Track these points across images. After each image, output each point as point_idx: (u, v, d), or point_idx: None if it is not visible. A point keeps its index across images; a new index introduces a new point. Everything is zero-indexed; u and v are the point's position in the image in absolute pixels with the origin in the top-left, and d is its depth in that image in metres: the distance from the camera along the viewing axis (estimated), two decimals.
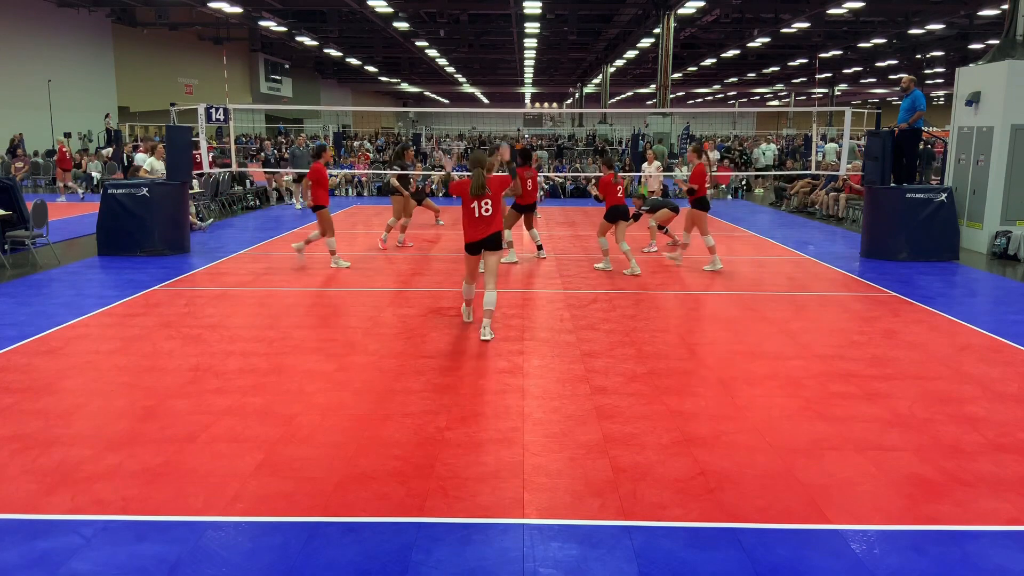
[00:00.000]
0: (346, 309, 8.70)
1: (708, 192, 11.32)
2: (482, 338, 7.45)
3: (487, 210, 7.48)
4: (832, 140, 28.84)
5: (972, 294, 9.91)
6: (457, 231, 14.48)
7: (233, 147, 17.78)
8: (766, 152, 26.03)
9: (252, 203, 19.64)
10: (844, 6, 27.12)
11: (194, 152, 13.34)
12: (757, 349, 7.22)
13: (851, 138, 17.08)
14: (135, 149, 14.65)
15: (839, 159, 17.82)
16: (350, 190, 23.93)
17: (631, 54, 40.43)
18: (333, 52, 43.00)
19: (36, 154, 26.02)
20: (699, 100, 75.64)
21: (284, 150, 20.02)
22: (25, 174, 23.42)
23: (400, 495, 4.32)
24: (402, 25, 32.52)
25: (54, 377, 6.25)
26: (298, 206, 19.62)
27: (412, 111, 74.77)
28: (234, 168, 18.30)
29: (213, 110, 14.34)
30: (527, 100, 79.62)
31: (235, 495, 4.31)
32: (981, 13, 28.98)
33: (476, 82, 64.93)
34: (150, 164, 13.81)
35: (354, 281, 10.29)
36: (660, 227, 13.05)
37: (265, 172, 21.68)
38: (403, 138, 38.11)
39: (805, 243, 13.91)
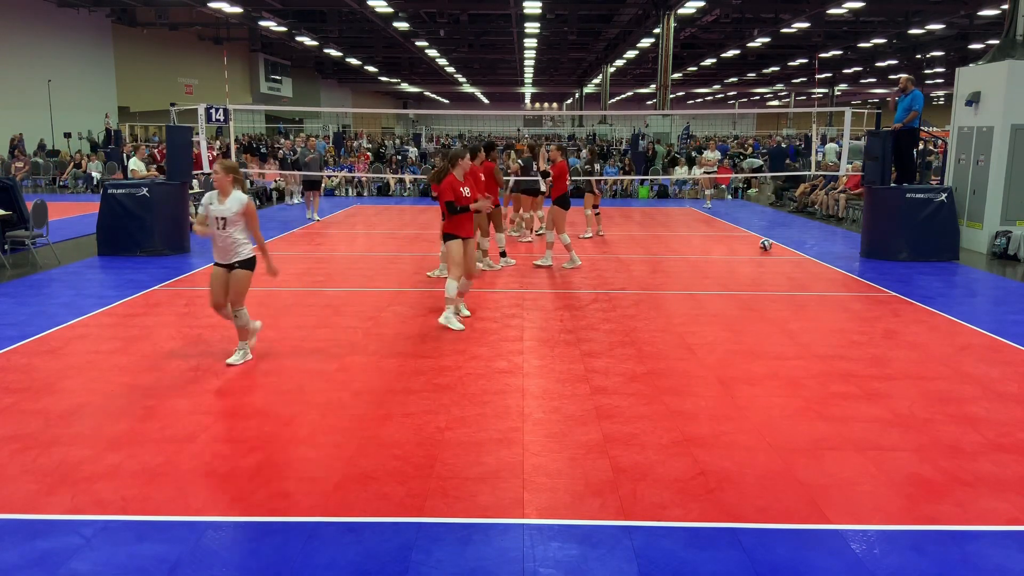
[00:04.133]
0: (346, 309, 8.70)
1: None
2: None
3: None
4: (832, 140, 28.84)
5: (972, 294, 9.91)
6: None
7: (233, 147, 17.77)
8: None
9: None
10: (844, 6, 27.11)
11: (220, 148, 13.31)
12: (757, 349, 7.22)
13: (852, 138, 17.08)
14: (135, 151, 14.64)
15: (839, 159, 17.81)
16: (350, 190, 23.95)
17: (631, 54, 40.44)
18: (333, 52, 43.00)
19: (36, 154, 26.02)
20: (699, 100, 75.64)
21: (294, 152, 19.97)
22: (25, 174, 23.43)
23: (400, 495, 4.32)
24: (402, 25, 32.52)
25: (54, 377, 6.25)
26: (296, 200, 19.59)
27: (412, 112, 74.68)
28: None
29: (213, 110, 14.33)
30: (527, 100, 79.62)
31: (236, 495, 4.31)
32: (981, 13, 28.98)
33: (476, 82, 64.94)
34: (133, 163, 13.83)
35: (354, 281, 10.28)
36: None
37: (281, 173, 21.68)
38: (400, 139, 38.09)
39: (805, 243, 13.90)
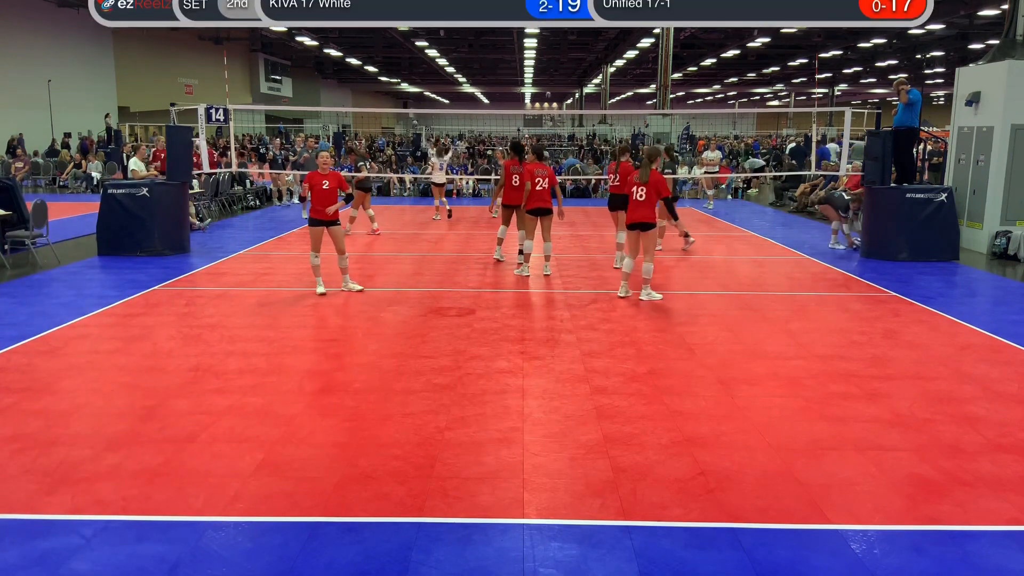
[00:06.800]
0: (346, 309, 8.70)
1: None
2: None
3: (641, 196, 9.02)
4: (832, 140, 28.83)
5: (972, 294, 9.91)
6: (447, 232, 14.55)
7: (233, 147, 17.79)
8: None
9: (252, 203, 19.65)
10: None
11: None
12: (757, 349, 7.22)
13: (852, 138, 17.08)
14: (134, 150, 14.65)
15: (839, 159, 17.81)
16: None
17: (631, 54, 40.43)
18: (333, 52, 43.00)
19: (36, 154, 26.03)
20: (699, 100, 75.63)
21: (293, 152, 19.98)
22: (25, 174, 23.43)
23: (400, 495, 4.32)
24: (402, 25, 32.52)
25: (54, 377, 6.25)
26: (296, 200, 19.62)
27: (412, 112, 74.66)
28: (234, 168, 18.32)
29: (213, 110, 14.34)
30: (527, 100, 79.63)
31: (235, 495, 4.31)
32: (981, 13, 28.97)
33: (476, 82, 64.91)
34: (134, 163, 13.86)
35: (354, 281, 10.27)
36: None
37: (271, 172, 21.74)
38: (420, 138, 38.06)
39: (805, 243, 13.90)
